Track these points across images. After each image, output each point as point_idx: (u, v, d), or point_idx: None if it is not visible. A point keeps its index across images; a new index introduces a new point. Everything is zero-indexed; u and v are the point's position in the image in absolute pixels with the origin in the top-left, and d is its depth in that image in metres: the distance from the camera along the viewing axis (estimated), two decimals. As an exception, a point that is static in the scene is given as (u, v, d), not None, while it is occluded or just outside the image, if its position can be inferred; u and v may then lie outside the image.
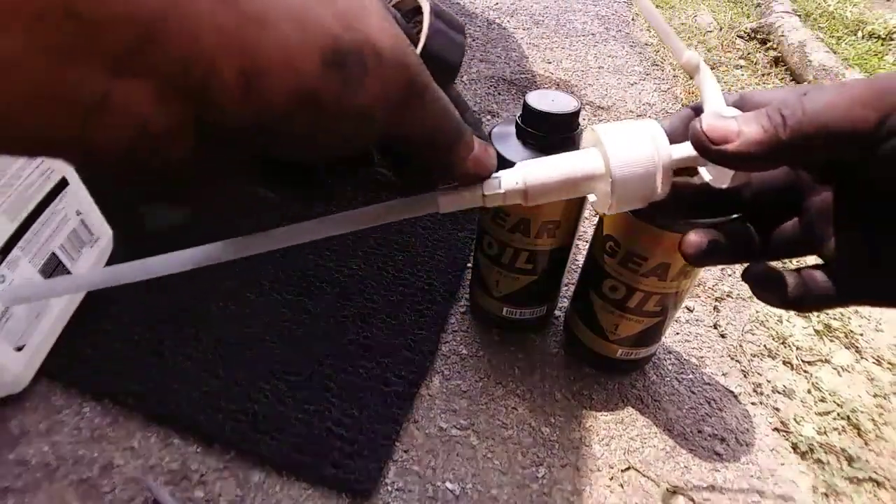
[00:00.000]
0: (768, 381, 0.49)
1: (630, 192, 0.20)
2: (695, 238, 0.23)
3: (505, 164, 0.39)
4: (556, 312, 0.53)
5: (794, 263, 0.53)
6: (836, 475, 0.42)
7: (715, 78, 0.22)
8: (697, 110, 0.22)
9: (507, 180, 0.20)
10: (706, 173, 0.22)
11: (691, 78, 0.23)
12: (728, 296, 0.57)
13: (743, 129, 0.18)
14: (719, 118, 0.19)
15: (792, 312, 0.56)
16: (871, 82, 0.17)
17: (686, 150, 0.20)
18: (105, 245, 0.50)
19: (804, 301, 0.21)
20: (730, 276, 0.59)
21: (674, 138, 0.21)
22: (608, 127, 0.21)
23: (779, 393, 0.48)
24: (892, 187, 0.18)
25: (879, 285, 0.20)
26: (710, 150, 0.18)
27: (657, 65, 1.02)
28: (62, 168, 0.43)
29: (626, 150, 0.20)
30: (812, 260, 0.23)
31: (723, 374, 0.49)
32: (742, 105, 0.21)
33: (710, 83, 0.21)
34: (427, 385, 0.46)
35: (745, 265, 0.23)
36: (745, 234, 0.23)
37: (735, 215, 0.24)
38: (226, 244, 0.21)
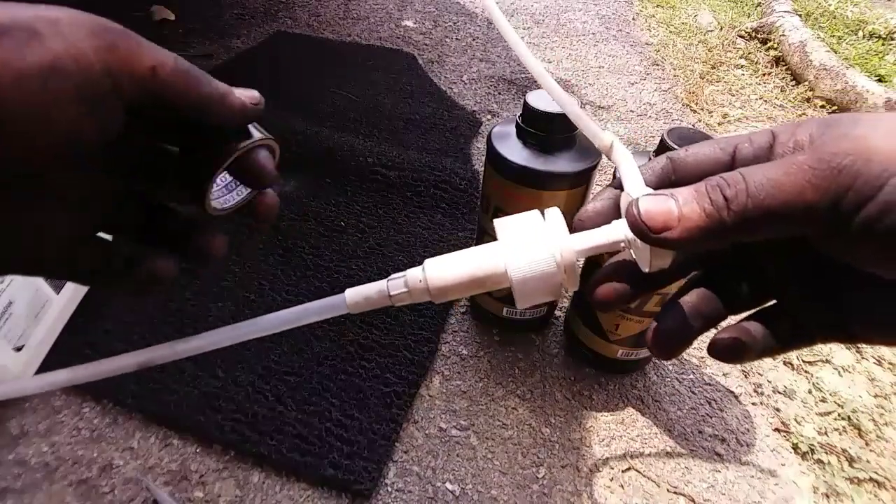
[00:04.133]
0: (769, 382, 0.49)
1: (532, 292, 0.19)
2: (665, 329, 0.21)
3: (505, 163, 0.39)
4: (557, 312, 0.52)
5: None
6: (837, 475, 0.42)
7: (630, 156, 0.21)
8: (620, 188, 0.21)
9: (412, 279, 0.20)
10: (628, 252, 0.21)
11: (608, 158, 0.22)
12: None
13: (684, 211, 0.17)
14: (656, 199, 0.17)
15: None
16: (819, 160, 0.15)
17: (593, 239, 0.20)
18: (105, 245, 0.50)
19: (774, 351, 0.20)
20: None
21: (597, 220, 0.20)
22: (508, 222, 0.20)
23: (779, 393, 0.48)
24: (863, 262, 0.16)
25: (835, 331, 0.19)
26: (649, 237, 0.17)
27: (657, 64, 1.02)
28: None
29: (522, 252, 0.19)
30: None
31: (723, 375, 0.49)
32: (673, 171, 0.20)
33: (628, 161, 0.20)
34: (427, 385, 0.46)
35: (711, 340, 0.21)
36: (713, 303, 0.21)
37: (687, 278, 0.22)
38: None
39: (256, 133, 0.20)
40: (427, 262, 0.20)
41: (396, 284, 0.20)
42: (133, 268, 0.20)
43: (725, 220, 0.16)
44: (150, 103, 0.17)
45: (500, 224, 0.20)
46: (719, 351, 0.20)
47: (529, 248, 0.19)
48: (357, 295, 0.21)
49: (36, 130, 0.15)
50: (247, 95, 0.20)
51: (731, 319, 0.21)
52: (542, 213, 0.20)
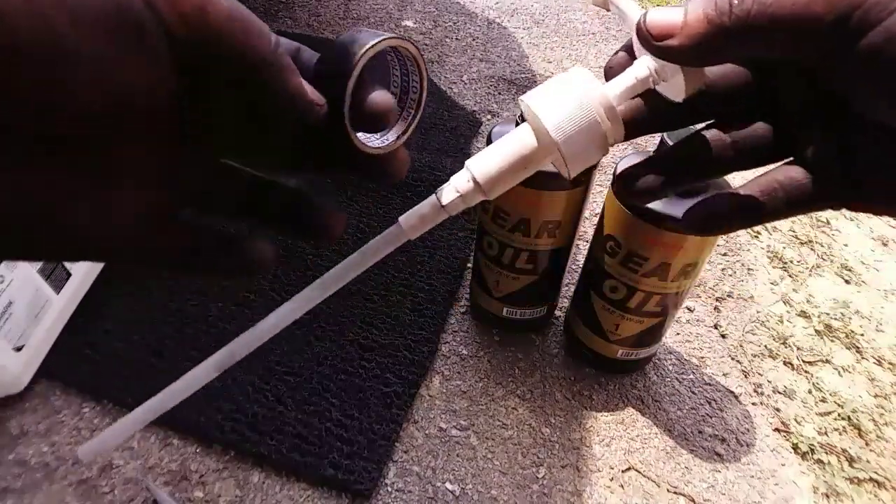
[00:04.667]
0: (769, 382, 0.49)
1: (582, 149, 0.19)
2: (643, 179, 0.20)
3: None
4: (557, 313, 0.52)
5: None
6: (837, 475, 0.42)
7: None
8: (630, 50, 0.21)
9: (459, 182, 0.20)
10: (661, 88, 0.20)
11: (607, 10, 0.22)
12: (729, 296, 0.57)
13: (687, 19, 0.16)
14: (663, 10, 0.17)
15: (792, 311, 0.56)
16: None
17: (622, 82, 0.19)
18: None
19: (782, 209, 0.19)
20: (730, 276, 0.59)
21: (623, 68, 0.20)
22: (536, 93, 0.20)
23: (779, 393, 0.48)
24: (865, 99, 0.16)
25: (861, 192, 0.18)
26: (653, 45, 0.17)
27: (657, 64, 1.02)
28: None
29: (559, 111, 0.18)
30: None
31: (723, 375, 0.49)
32: None
33: (628, 2, 0.21)
34: (427, 385, 0.46)
35: (692, 206, 0.20)
36: (704, 145, 0.20)
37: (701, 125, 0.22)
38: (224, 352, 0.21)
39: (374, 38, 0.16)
40: (468, 162, 0.20)
41: (447, 192, 0.20)
42: (227, 253, 0.18)
43: (727, 24, 0.16)
44: (203, 53, 0.14)
45: (528, 95, 0.20)
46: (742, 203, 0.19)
47: (566, 105, 0.18)
48: (411, 217, 0.20)
49: (63, 77, 0.12)
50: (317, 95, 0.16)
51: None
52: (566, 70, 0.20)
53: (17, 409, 0.41)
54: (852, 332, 0.54)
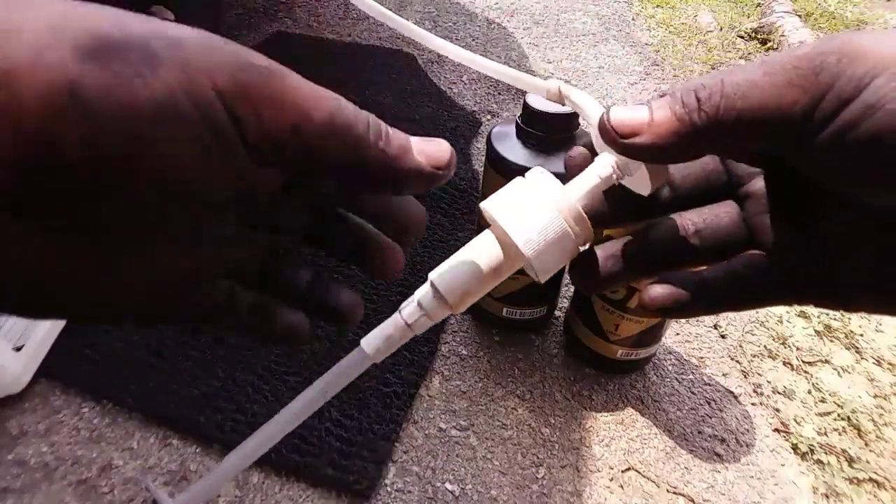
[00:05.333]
0: (768, 382, 0.49)
1: (552, 258, 0.18)
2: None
3: (505, 163, 0.39)
4: (556, 313, 0.52)
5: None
6: (837, 476, 0.42)
7: (583, 92, 0.20)
8: (589, 147, 0.20)
9: (425, 299, 0.19)
10: (626, 182, 0.20)
11: (562, 104, 0.21)
12: (728, 296, 0.57)
13: (655, 116, 0.16)
14: (627, 108, 0.16)
15: (792, 311, 0.56)
16: (802, 58, 0.14)
17: (586, 183, 0.19)
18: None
19: (738, 298, 0.19)
20: (730, 276, 0.59)
21: (584, 165, 0.19)
22: (498, 203, 0.18)
23: (779, 393, 0.48)
24: (832, 182, 0.15)
25: (828, 285, 0.17)
26: (619, 143, 0.16)
27: (657, 65, 1.02)
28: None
29: (526, 224, 0.18)
30: None
31: (723, 375, 0.49)
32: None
33: (583, 97, 0.20)
34: (427, 385, 0.46)
35: (650, 283, 0.20)
36: (677, 235, 0.19)
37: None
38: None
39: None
40: (432, 275, 0.19)
41: (411, 312, 0.19)
42: (263, 320, 0.18)
43: (696, 122, 0.15)
44: (294, 164, 0.14)
45: (489, 204, 0.19)
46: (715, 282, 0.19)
47: (533, 217, 0.18)
48: (375, 340, 0.20)
49: (144, 180, 0.12)
50: (431, 153, 0.15)
51: None
52: (524, 176, 0.19)
53: (17, 409, 0.41)
54: (852, 332, 0.54)
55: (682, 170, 0.20)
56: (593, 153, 0.20)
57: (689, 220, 0.19)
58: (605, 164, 0.19)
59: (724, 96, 0.15)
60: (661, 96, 0.16)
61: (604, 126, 0.17)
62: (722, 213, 0.19)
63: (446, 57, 0.97)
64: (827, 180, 0.15)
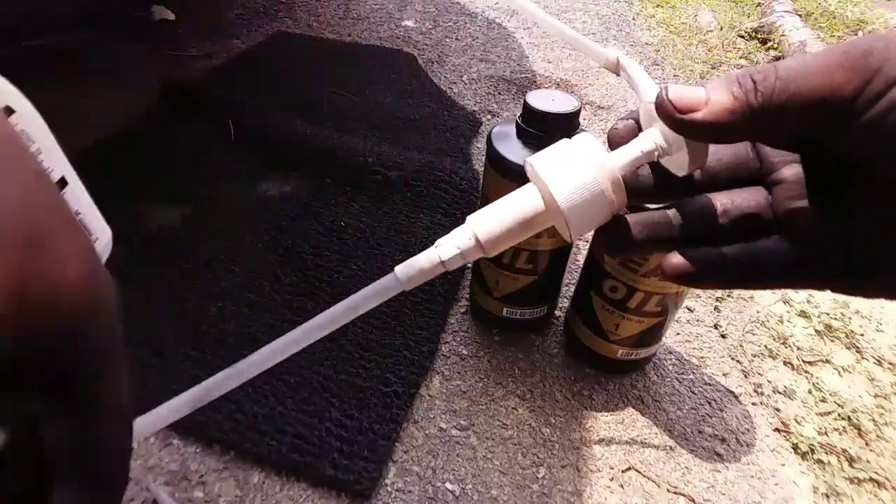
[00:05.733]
0: (769, 382, 0.49)
1: (587, 217, 0.19)
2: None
3: (505, 163, 0.39)
4: (557, 312, 0.52)
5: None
6: (837, 475, 0.42)
7: (639, 66, 0.21)
8: (636, 120, 0.21)
9: (461, 238, 0.20)
10: (664, 161, 0.20)
11: (617, 75, 0.22)
12: (729, 296, 0.57)
13: (711, 96, 0.16)
14: (686, 87, 0.17)
15: (792, 311, 0.56)
16: (851, 44, 0.15)
17: (628, 154, 0.19)
18: (104, 245, 0.50)
19: (755, 278, 0.19)
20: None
21: (627, 137, 0.20)
22: (544, 157, 0.20)
23: (779, 393, 0.48)
24: (872, 166, 0.16)
25: (850, 271, 0.18)
26: (676, 119, 0.17)
27: (657, 64, 1.02)
28: (61, 168, 0.43)
29: (567, 178, 0.18)
30: None
31: (723, 375, 0.49)
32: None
33: (638, 71, 0.20)
34: (427, 385, 0.46)
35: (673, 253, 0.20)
36: (707, 213, 0.20)
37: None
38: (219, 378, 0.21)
39: None
40: (470, 218, 0.20)
41: (447, 248, 0.20)
42: None
43: (753, 102, 0.16)
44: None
45: (534, 158, 0.20)
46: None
47: (572, 173, 0.19)
48: (409, 269, 0.20)
49: None
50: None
51: None
52: (570, 138, 0.20)
53: (17, 409, 0.41)
54: (852, 332, 0.54)
55: (715, 153, 0.20)
56: (639, 127, 0.21)
57: (719, 201, 0.20)
58: (649, 140, 0.19)
59: (778, 78, 0.15)
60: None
61: (662, 101, 0.17)
62: (750, 197, 0.20)
63: (446, 57, 0.97)
64: (866, 163, 0.16)
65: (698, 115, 0.16)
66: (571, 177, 0.19)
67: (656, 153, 0.19)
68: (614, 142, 0.21)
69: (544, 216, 0.20)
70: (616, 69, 0.22)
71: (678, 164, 0.19)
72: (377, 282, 0.21)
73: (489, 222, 0.20)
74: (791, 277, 0.19)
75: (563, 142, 0.20)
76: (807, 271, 0.18)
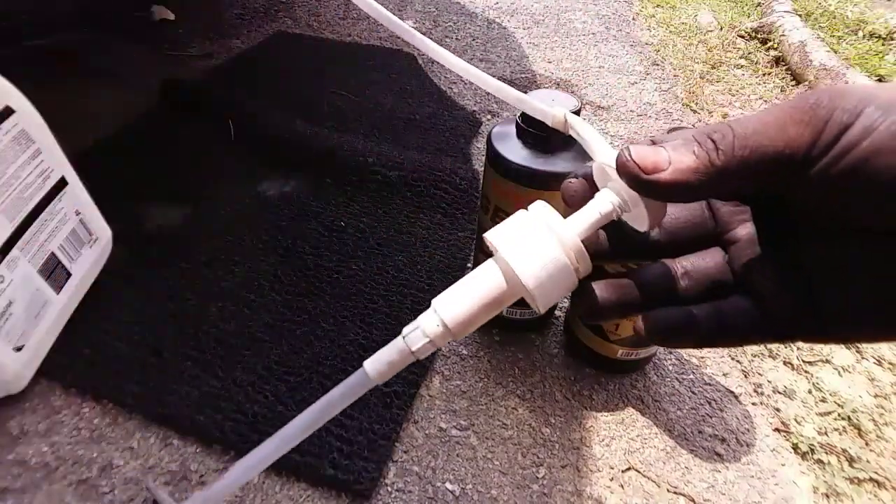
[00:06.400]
0: (769, 382, 0.49)
1: (553, 290, 0.19)
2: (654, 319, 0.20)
3: (505, 163, 0.39)
4: (557, 312, 0.52)
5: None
6: (837, 475, 0.42)
7: (589, 125, 0.21)
8: (588, 178, 0.21)
9: (429, 326, 0.20)
10: (625, 217, 0.20)
11: (565, 133, 0.21)
12: (728, 296, 0.57)
13: (673, 156, 0.17)
14: (647, 147, 0.17)
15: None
16: (799, 98, 0.16)
17: (588, 217, 0.19)
18: (104, 245, 0.50)
19: (724, 337, 0.19)
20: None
21: (581, 200, 0.20)
22: (503, 233, 0.19)
23: (779, 393, 0.48)
24: (826, 213, 0.16)
25: (814, 321, 0.18)
26: (642, 180, 0.17)
27: (657, 64, 1.02)
28: (61, 168, 0.43)
29: (529, 255, 0.18)
30: None
31: (723, 375, 0.49)
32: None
33: (589, 131, 0.20)
34: (427, 385, 0.46)
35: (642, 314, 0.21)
36: (668, 275, 0.21)
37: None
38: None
39: None
40: (435, 302, 0.20)
41: (415, 338, 0.20)
42: None
43: (716, 161, 0.16)
44: None
45: (493, 235, 0.19)
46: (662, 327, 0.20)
47: (534, 249, 0.19)
48: (379, 364, 0.20)
49: None
50: None
51: None
52: (527, 209, 0.20)
53: (17, 409, 0.41)
54: (852, 332, 0.54)
55: (672, 214, 0.21)
56: (590, 183, 0.21)
57: (679, 264, 0.21)
58: (606, 201, 0.19)
59: (736, 136, 0.16)
60: (672, 131, 0.17)
61: (626, 162, 0.17)
62: (709, 258, 0.21)
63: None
64: (821, 211, 0.16)
65: (663, 176, 0.17)
66: (533, 253, 0.19)
67: (615, 213, 0.19)
68: (569, 198, 0.21)
69: (511, 294, 0.20)
70: (565, 128, 0.22)
71: (638, 220, 0.19)
72: (346, 380, 0.21)
73: (456, 307, 0.20)
74: (759, 333, 0.19)
75: (521, 213, 0.20)
76: (772, 326, 0.19)
